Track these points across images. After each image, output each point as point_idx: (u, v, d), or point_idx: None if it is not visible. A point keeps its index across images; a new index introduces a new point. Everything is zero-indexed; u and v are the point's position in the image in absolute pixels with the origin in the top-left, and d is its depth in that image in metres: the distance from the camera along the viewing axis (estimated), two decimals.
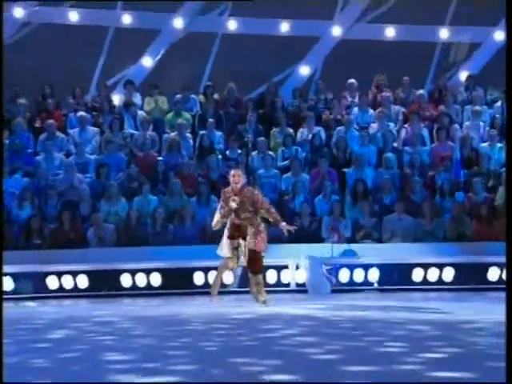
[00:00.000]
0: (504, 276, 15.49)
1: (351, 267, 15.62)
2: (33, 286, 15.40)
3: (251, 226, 12.72)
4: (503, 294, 14.60)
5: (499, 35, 20.91)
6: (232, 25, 21.27)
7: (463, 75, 20.72)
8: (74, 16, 21.10)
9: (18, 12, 21.02)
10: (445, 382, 6.33)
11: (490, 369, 7.35)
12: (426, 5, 20.87)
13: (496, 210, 16.95)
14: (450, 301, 14.40)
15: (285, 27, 21.15)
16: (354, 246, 16.23)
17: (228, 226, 12.87)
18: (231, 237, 12.83)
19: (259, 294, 13.00)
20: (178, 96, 19.64)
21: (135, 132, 18.93)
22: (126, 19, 21.17)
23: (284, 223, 12.90)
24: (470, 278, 15.57)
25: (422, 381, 6.48)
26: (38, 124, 19.16)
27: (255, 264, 12.83)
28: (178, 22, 21.18)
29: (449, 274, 15.55)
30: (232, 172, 13.20)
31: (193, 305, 13.96)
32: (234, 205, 12.59)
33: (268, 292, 15.17)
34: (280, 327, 10.76)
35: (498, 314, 11.43)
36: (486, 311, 12.45)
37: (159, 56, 21.34)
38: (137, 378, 7.45)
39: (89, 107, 19.63)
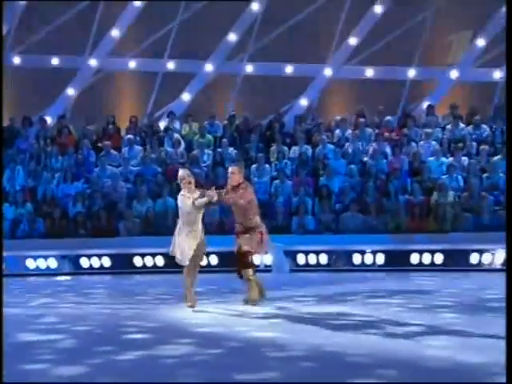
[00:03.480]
0: (424, 260, 15.58)
1: (306, 253, 15.79)
2: (71, 265, 15.96)
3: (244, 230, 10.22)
4: (421, 274, 14.82)
5: (454, 73, 20.78)
6: (249, 68, 21.60)
7: (425, 105, 20.62)
8: (132, 64, 21.68)
9: (93, 62, 21.70)
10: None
11: None
12: (398, 50, 20.83)
13: (430, 209, 16.96)
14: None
15: (289, 69, 21.39)
16: (316, 237, 16.45)
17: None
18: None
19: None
20: (206, 122, 20.10)
21: (170, 149, 19.41)
22: (171, 65, 21.67)
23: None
24: (397, 262, 15.64)
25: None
26: (100, 144, 19.72)
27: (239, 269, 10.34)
28: (209, 67, 21.58)
29: (380, 259, 15.65)
30: (230, 169, 10.65)
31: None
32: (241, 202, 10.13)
33: None
34: None
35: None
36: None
37: (195, 92, 21.72)
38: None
39: (139, 132, 20.16)
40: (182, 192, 10.48)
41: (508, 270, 8.31)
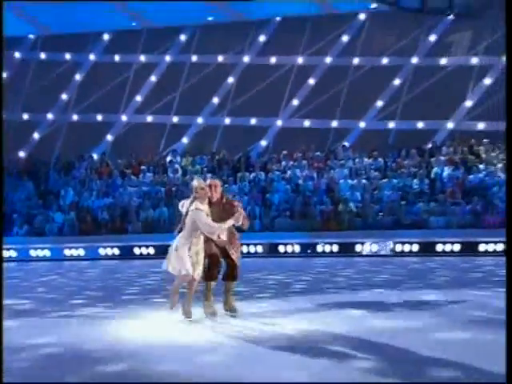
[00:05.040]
0: (325, 249, 15.72)
1: (248, 245, 15.90)
2: (93, 254, 16.30)
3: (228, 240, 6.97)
4: (323, 259, 14.90)
5: (362, 124, 20.93)
6: (227, 121, 21.93)
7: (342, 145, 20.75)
8: (149, 118, 22.14)
9: (124, 117, 22.20)
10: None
11: None
12: (326, 108, 21.02)
13: (336, 214, 17.08)
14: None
15: (253, 121, 21.66)
16: (259, 234, 16.63)
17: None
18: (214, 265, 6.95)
19: (228, 303, 7.21)
20: (197, 157, 20.47)
21: (171, 175, 19.77)
22: (175, 119, 22.07)
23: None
24: (309, 250, 15.80)
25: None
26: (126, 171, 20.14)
27: (235, 273, 7.13)
28: (200, 120, 21.95)
29: (297, 248, 15.83)
30: (208, 181, 7.12)
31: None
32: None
33: None
34: None
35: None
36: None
37: (191, 137, 22.09)
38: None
39: (152, 164, 20.55)
40: (197, 205, 6.81)
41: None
